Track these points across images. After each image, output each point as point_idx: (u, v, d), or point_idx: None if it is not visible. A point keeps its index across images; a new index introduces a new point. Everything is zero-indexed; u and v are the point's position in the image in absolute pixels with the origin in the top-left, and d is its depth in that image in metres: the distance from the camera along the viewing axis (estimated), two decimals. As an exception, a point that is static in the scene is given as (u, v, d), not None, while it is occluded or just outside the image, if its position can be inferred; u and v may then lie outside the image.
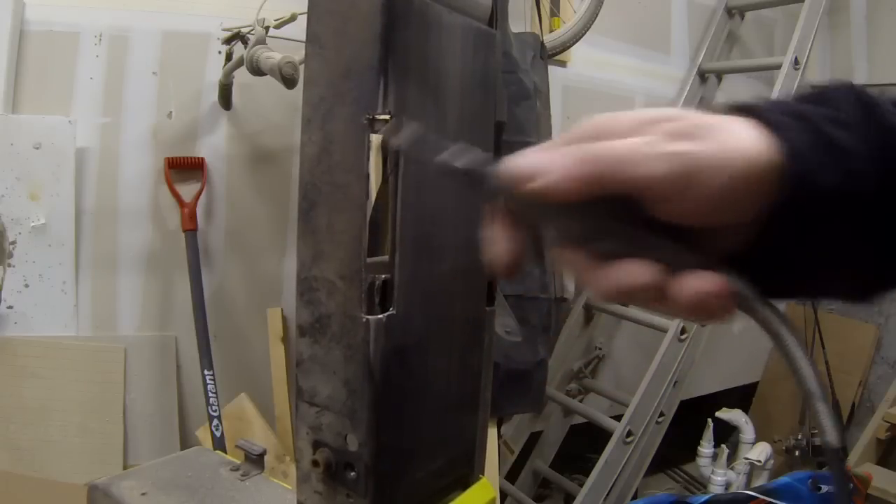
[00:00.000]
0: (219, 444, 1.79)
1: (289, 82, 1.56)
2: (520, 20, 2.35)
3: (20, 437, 1.72)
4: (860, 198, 0.34)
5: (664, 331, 2.31)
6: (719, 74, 2.94)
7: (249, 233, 2.08)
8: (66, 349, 1.79)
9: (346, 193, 0.75)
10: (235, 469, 1.16)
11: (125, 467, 1.81)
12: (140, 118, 1.92)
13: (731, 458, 2.67)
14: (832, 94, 0.37)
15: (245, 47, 1.70)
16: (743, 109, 0.37)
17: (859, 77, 3.29)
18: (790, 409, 3.15)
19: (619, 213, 0.35)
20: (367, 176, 0.74)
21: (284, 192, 2.08)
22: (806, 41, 2.53)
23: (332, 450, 0.80)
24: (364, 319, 0.75)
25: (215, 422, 1.81)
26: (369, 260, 0.75)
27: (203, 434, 1.87)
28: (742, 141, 0.34)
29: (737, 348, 3.25)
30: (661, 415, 2.29)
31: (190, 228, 1.92)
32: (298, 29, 1.40)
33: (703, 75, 2.89)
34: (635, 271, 0.34)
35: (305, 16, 0.78)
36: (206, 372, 1.83)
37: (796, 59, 2.48)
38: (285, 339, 2.07)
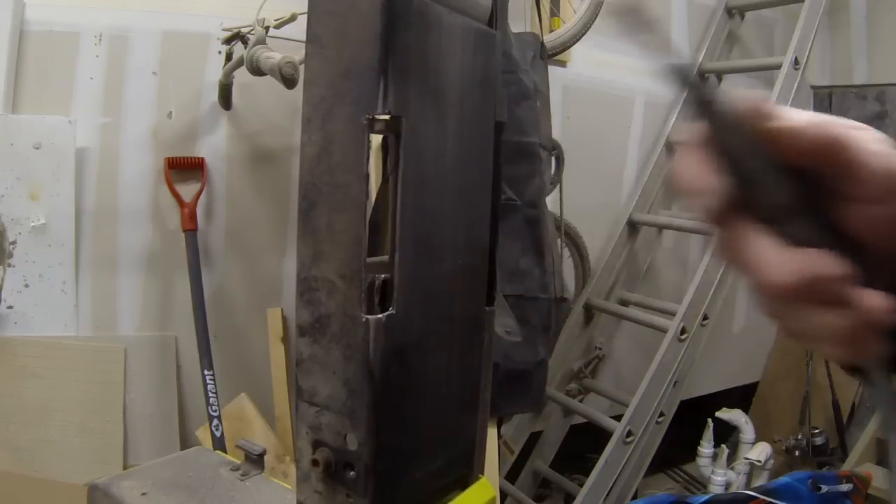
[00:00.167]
0: (219, 444, 1.79)
1: (289, 82, 1.56)
2: (520, 20, 2.36)
3: (20, 437, 1.72)
4: None
5: (664, 331, 2.31)
6: (719, 74, 2.94)
7: (249, 233, 2.08)
8: (66, 349, 1.79)
9: (345, 193, 0.75)
10: (235, 469, 1.16)
11: (125, 467, 1.82)
12: (140, 118, 1.92)
13: (731, 458, 2.67)
14: None
15: (245, 47, 1.70)
16: None
17: (859, 77, 3.30)
18: (790, 409, 3.15)
19: (821, 203, 0.33)
20: (367, 176, 0.74)
21: (284, 192, 2.08)
22: (806, 41, 2.53)
23: (331, 449, 0.80)
24: (364, 319, 0.75)
25: (215, 422, 1.81)
26: (369, 260, 0.75)
27: (203, 434, 1.87)
28: None
29: (737, 348, 3.25)
30: (661, 415, 2.29)
31: (190, 228, 1.92)
32: (298, 29, 1.40)
33: (703, 75, 2.89)
34: (829, 260, 0.31)
35: (305, 16, 0.78)
36: (206, 372, 1.83)
37: (796, 59, 2.48)
38: (285, 339, 2.07)
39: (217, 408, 1.82)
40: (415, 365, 0.84)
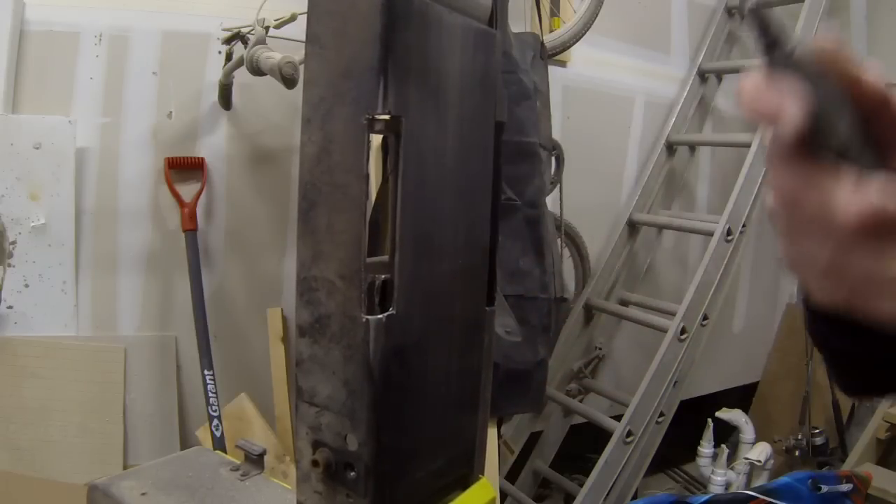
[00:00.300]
0: (219, 444, 1.79)
1: (289, 82, 1.56)
2: (520, 20, 2.35)
3: (20, 437, 1.72)
4: None
5: (664, 331, 2.31)
6: (719, 74, 2.94)
7: (249, 233, 2.08)
8: (66, 349, 1.79)
9: (345, 193, 0.75)
10: (235, 469, 1.16)
11: (125, 467, 1.81)
12: (140, 118, 1.92)
13: (731, 458, 2.66)
14: None
15: (245, 47, 1.70)
16: None
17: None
18: (790, 409, 3.15)
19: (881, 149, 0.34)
20: (367, 176, 0.74)
21: (284, 192, 2.08)
22: (806, 41, 2.52)
23: (331, 450, 0.80)
24: (364, 319, 0.75)
25: (215, 422, 1.81)
26: (369, 260, 0.75)
27: (203, 434, 1.87)
28: None
29: (737, 348, 3.25)
30: (661, 415, 2.29)
31: (190, 228, 1.92)
32: (298, 29, 1.40)
33: (703, 75, 2.89)
34: None
35: (305, 16, 0.78)
36: (206, 372, 1.83)
37: (796, 59, 2.47)
38: (285, 339, 2.07)
39: (217, 408, 1.82)
40: (415, 365, 0.84)
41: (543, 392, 1.98)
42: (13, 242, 1.75)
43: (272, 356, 2.06)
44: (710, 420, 2.64)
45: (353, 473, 0.78)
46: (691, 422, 2.62)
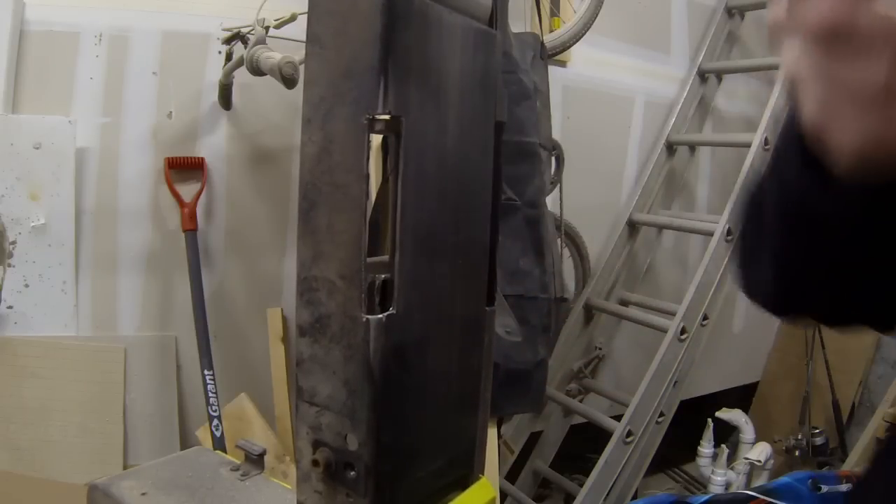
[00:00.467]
0: (219, 444, 1.79)
1: (289, 82, 1.56)
2: (520, 20, 2.35)
3: (20, 437, 1.72)
4: None
5: (664, 331, 2.31)
6: (719, 74, 2.94)
7: (249, 233, 2.08)
8: (66, 349, 1.79)
9: (345, 193, 0.75)
10: (235, 469, 1.16)
11: (125, 467, 1.82)
12: (140, 118, 1.92)
13: (731, 458, 2.66)
14: None
15: (245, 47, 1.70)
16: None
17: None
18: (790, 409, 3.15)
19: None
20: (367, 176, 0.74)
21: (284, 192, 2.08)
22: (806, 41, 2.52)
23: (332, 449, 0.80)
24: (364, 319, 0.75)
25: (215, 422, 1.81)
26: (369, 260, 0.75)
27: (203, 434, 1.87)
28: None
29: (737, 348, 3.25)
30: (661, 415, 2.29)
31: (190, 228, 1.92)
32: (298, 29, 1.40)
33: (703, 75, 2.89)
34: None
35: (305, 16, 0.78)
36: (206, 372, 1.83)
37: (796, 59, 2.47)
38: (285, 339, 2.07)
39: (217, 408, 1.82)
40: (415, 365, 0.84)
41: (543, 392, 1.98)
42: (13, 242, 1.76)
43: (272, 356, 2.06)
44: (710, 420, 2.64)
45: (353, 473, 0.79)
46: (691, 422, 2.62)
